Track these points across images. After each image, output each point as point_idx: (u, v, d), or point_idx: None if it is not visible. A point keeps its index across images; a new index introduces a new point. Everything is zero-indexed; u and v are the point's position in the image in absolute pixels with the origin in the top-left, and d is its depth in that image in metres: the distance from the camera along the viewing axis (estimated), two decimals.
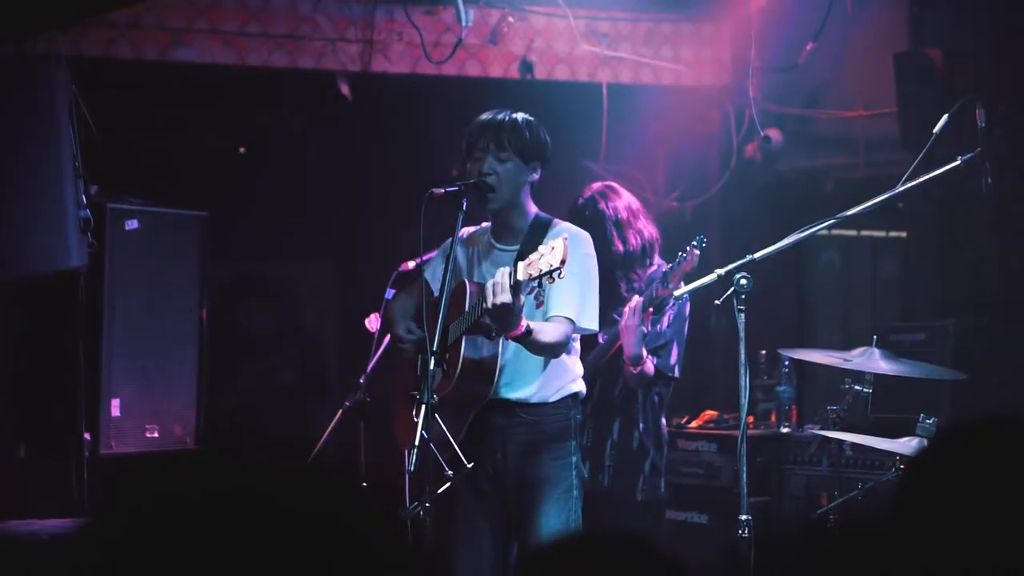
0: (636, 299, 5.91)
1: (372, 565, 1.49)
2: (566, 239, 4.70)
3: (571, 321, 5.17)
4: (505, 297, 4.76)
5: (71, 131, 6.01)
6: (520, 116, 5.29)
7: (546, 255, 4.70)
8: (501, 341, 5.12)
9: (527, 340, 4.98)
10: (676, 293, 5.36)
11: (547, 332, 5.08)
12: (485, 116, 5.30)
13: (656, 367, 6.06)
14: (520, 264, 4.78)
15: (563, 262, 4.64)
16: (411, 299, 5.53)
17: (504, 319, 4.86)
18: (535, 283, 4.75)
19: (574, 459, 5.29)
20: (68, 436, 6.27)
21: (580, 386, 5.35)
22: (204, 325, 6.91)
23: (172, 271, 6.87)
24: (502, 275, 4.79)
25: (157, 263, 6.80)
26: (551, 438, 5.25)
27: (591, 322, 5.24)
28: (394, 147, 8.11)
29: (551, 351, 5.17)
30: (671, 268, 5.66)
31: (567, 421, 5.29)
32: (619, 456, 6.19)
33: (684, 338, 6.22)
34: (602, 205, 6.21)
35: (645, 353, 5.96)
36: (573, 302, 5.16)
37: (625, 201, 6.26)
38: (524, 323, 4.90)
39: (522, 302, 4.86)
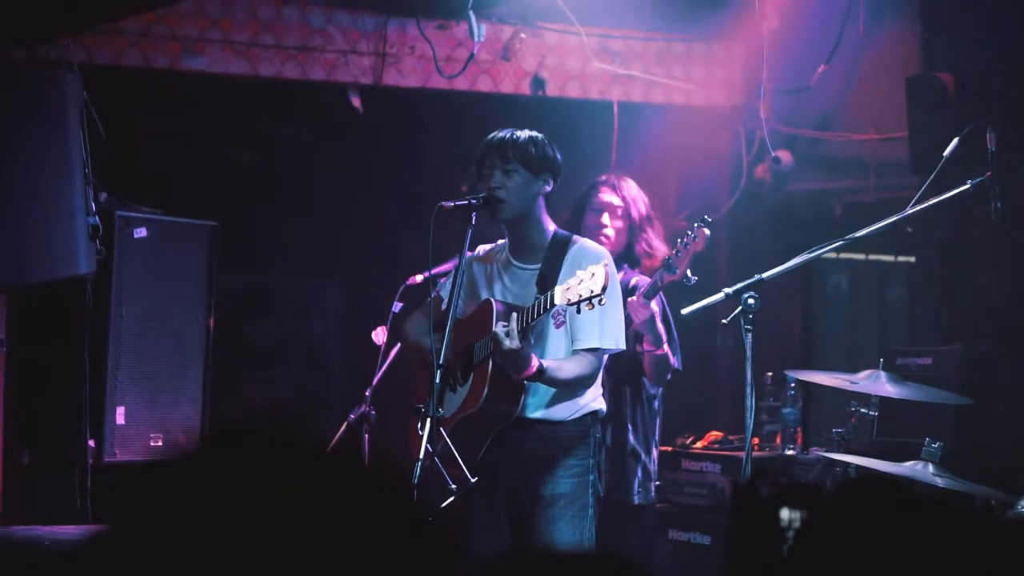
0: (641, 278, 5.90)
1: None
2: (607, 265, 4.75)
3: (596, 351, 5.18)
4: (514, 344, 4.82)
5: (81, 137, 6.02)
6: (525, 132, 5.32)
7: (586, 281, 4.73)
8: None
9: (542, 379, 5.01)
10: (683, 312, 5.33)
11: (565, 370, 5.11)
12: (491, 136, 5.34)
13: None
14: (558, 289, 4.82)
15: (604, 289, 4.68)
16: (425, 317, 5.54)
17: (514, 363, 4.91)
18: (572, 308, 4.79)
19: (591, 477, 5.29)
20: (72, 443, 6.26)
21: (600, 404, 5.36)
22: (211, 335, 6.90)
23: (180, 280, 6.86)
24: (512, 321, 4.85)
25: (165, 272, 6.78)
26: (569, 455, 5.25)
27: (616, 342, 5.25)
28: (404, 161, 8.11)
29: (574, 386, 5.19)
30: (677, 252, 5.57)
31: (586, 438, 5.29)
32: (613, 461, 6.18)
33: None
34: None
35: (664, 334, 5.89)
36: (596, 329, 5.17)
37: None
38: (535, 363, 4.93)
39: (531, 347, 4.92)
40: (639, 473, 6.22)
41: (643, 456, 6.23)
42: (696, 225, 5.47)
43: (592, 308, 4.78)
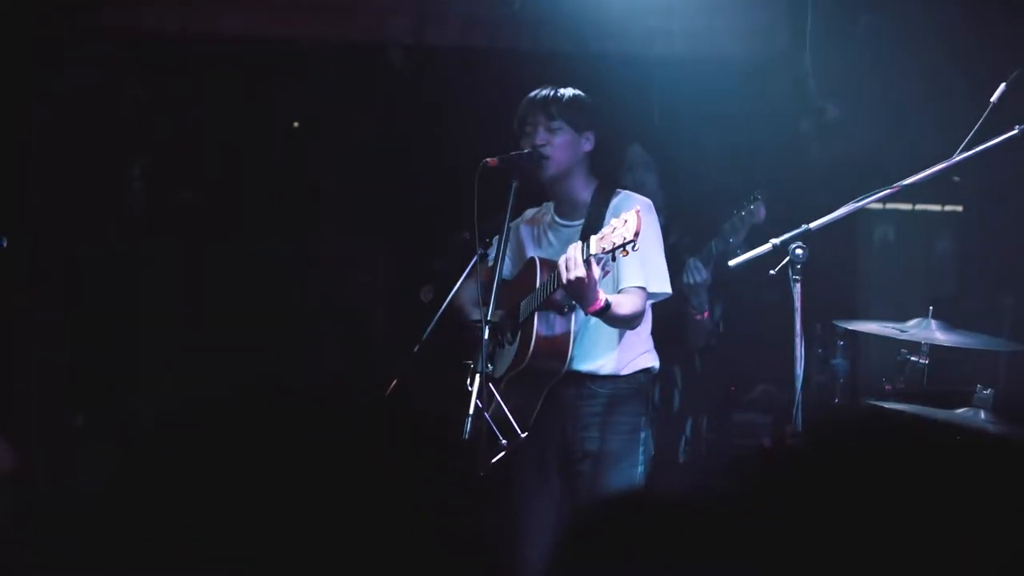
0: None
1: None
2: (639, 211, 4.69)
3: (643, 290, 5.16)
4: (579, 271, 4.75)
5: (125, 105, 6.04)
6: (568, 90, 5.31)
7: (619, 228, 4.69)
8: (574, 316, 5.12)
9: (606, 314, 4.97)
10: (731, 263, 5.31)
11: (624, 304, 5.09)
12: (533, 93, 5.33)
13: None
14: (593, 238, 4.77)
15: (637, 235, 4.63)
16: (473, 281, 5.54)
17: (581, 294, 4.85)
18: (608, 256, 4.74)
19: (643, 434, 5.28)
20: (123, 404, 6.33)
21: (652, 360, 5.33)
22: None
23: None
24: (575, 249, 4.79)
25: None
26: (619, 412, 5.24)
27: (663, 286, 5.24)
28: (445, 120, 8.10)
29: (629, 323, 5.17)
30: (733, 224, 5.63)
31: (638, 395, 5.28)
32: (661, 417, 6.18)
33: None
34: None
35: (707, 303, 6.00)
36: (642, 271, 5.16)
37: None
38: (603, 297, 4.89)
39: (597, 275, 4.84)
40: (687, 431, 6.22)
41: (690, 416, 6.24)
42: (753, 202, 5.50)
43: (627, 255, 4.74)
